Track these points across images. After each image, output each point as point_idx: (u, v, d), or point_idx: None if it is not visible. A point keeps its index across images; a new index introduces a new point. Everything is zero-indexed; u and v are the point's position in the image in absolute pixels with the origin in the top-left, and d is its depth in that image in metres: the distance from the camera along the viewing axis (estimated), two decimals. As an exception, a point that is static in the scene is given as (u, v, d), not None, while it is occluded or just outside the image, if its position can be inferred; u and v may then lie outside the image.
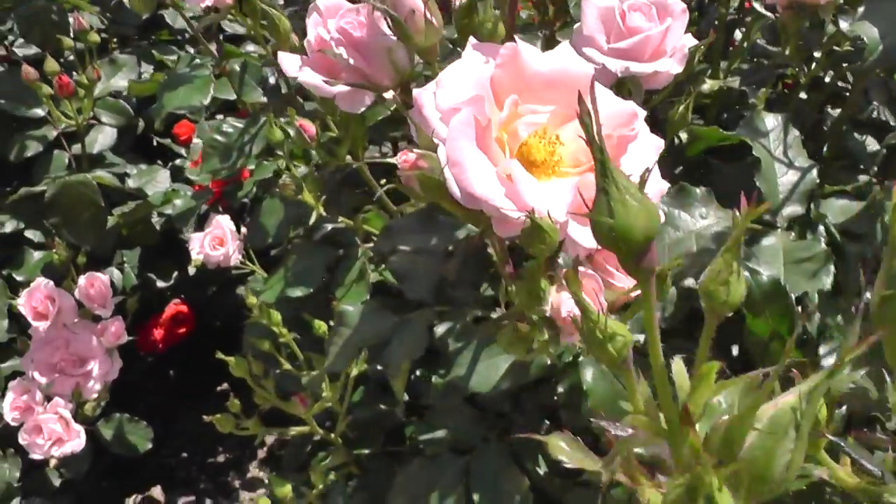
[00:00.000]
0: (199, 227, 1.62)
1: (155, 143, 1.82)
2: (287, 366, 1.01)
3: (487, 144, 0.49)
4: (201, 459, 1.95)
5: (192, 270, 1.77)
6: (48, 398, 1.21)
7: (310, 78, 0.72)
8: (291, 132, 1.02)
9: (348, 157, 0.89)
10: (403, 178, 0.48)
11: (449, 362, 0.73)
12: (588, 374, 0.70)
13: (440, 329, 0.75)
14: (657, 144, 0.57)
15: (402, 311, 0.77)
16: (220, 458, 1.95)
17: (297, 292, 1.00)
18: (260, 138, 1.02)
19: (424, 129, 0.46)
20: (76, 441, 1.19)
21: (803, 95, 1.00)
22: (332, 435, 1.01)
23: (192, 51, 1.72)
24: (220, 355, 0.93)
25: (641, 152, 0.56)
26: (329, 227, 0.96)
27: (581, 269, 0.50)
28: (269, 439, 1.98)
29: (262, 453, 1.96)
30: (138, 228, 1.42)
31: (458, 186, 0.47)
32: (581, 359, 0.71)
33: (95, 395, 1.24)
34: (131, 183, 1.50)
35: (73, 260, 1.27)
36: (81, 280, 1.23)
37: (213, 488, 1.89)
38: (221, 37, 1.86)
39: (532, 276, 0.50)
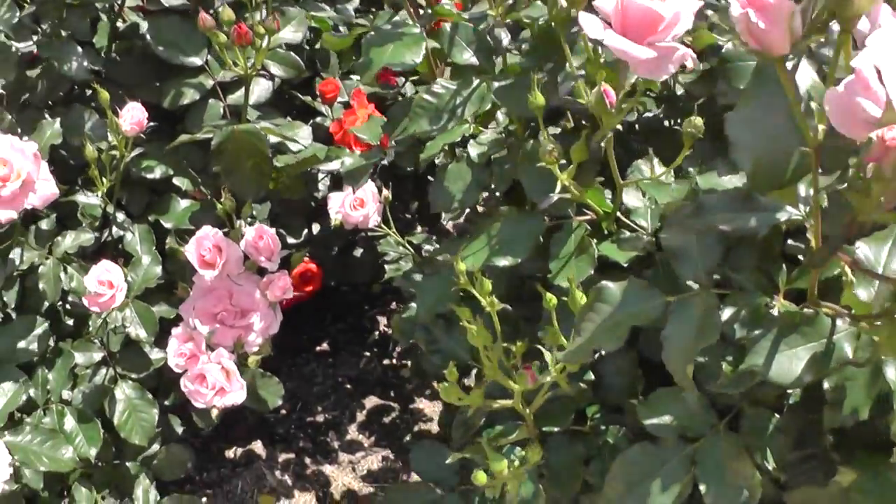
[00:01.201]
0: (338, 186, 1.57)
1: (277, 95, 1.77)
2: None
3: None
4: (300, 418, 1.91)
5: (315, 228, 1.73)
6: (210, 348, 1.17)
7: (616, 41, 0.67)
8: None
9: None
10: (875, 153, 0.43)
11: (739, 349, 0.68)
12: (891, 373, 0.65)
13: (725, 314, 0.70)
14: None
15: (669, 291, 0.72)
16: (319, 418, 1.92)
17: (504, 261, 0.94)
18: (473, 101, 0.96)
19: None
20: (238, 393, 1.15)
21: None
22: (527, 410, 0.96)
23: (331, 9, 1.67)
24: (465, 323, 0.88)
25: None
26: (556, 197, 0.91)
27: None
28: (369, 403, 1.95)
29: (361, 416, 1.93)
30: (287, 182, 1.37)
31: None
32: (882, 357, 0.66)
33: (256, 349, 1.19)
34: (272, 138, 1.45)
35: (237, 211, 1.23)
36: (250, 232, 1.18)
37: (312, 448, 1.85)
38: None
39: None
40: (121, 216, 1.39)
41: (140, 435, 1.26)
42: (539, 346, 0.99)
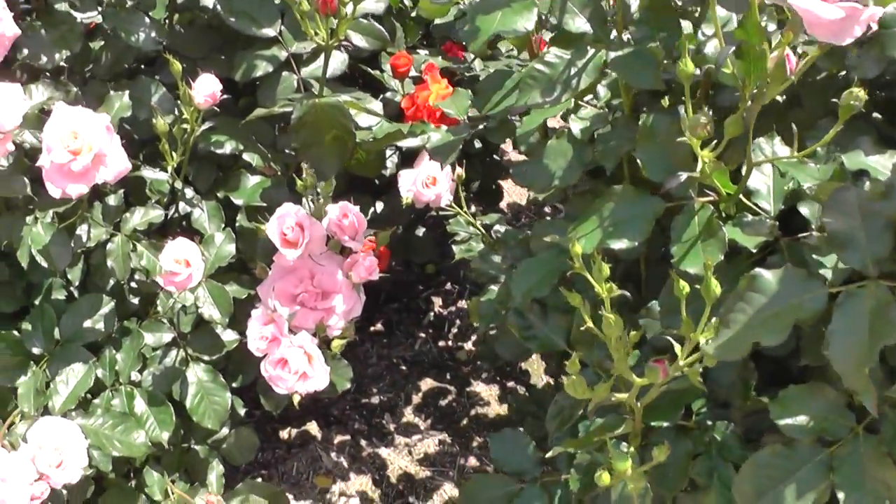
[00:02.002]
0: (406, 163, 1.50)
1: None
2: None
3: None
4: (355, 399, 1.86)
5: (380, 206, 1.66)
6: (291, 331, 1.11)
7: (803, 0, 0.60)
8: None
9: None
10: None
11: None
12: None
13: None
14: None
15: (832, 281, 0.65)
16: (374, 400, 1.86)
17: (621, 244, 0.87)
18: (589, 71, 0.89)
19: None
20: (322, 378, 1.09)
21: None
22: (638, 404, 0.89)
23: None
24: (588, 321, 0.81)
25: None
26: (685, 176, 0.84)
27: None
28: (425, 385, 1.89)
29: (416, 398, 1.87)
30: (362, 158, 1.30)
31: None
32: None
33: (338, 332, 1.13)
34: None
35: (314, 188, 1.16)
36: (333, 210, 1.12)
37: (367, 430, 1.80)
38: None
39: None
40: (189, 192, 1.33)
41: (213, 419, 1.21)
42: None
